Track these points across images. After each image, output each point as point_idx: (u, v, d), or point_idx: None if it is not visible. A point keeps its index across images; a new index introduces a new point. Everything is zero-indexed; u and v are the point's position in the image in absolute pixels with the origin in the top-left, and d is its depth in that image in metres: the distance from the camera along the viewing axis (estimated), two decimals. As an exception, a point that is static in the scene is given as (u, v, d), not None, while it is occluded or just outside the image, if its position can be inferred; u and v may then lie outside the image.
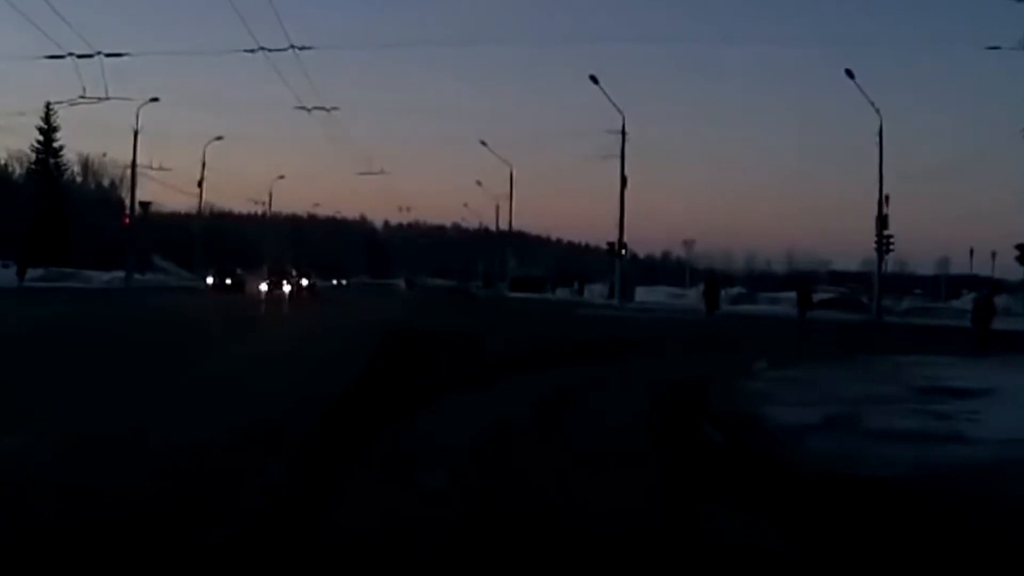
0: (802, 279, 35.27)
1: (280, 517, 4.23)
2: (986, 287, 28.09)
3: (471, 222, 78.65)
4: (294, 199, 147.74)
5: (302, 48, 31.31)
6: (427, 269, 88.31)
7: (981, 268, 63.12)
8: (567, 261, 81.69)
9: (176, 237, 58.66)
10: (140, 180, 46.64)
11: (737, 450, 6.46)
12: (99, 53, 33.56)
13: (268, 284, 43.90)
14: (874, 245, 36.34)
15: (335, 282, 66.32)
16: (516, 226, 64.26)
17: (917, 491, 5.08)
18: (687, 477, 5.58)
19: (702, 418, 7.79)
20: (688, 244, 67.57)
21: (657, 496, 5.06)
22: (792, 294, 48.55)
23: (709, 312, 30.88)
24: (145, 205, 49.30)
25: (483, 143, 54.81)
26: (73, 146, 65.63)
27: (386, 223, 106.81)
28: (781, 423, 7.27)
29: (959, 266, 64.79)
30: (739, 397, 8.88)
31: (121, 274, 44.96)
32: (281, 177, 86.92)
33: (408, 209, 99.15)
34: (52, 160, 57.14)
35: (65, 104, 39.17)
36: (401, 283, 78.21)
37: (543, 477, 5.35)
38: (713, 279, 37.29)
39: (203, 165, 51.74)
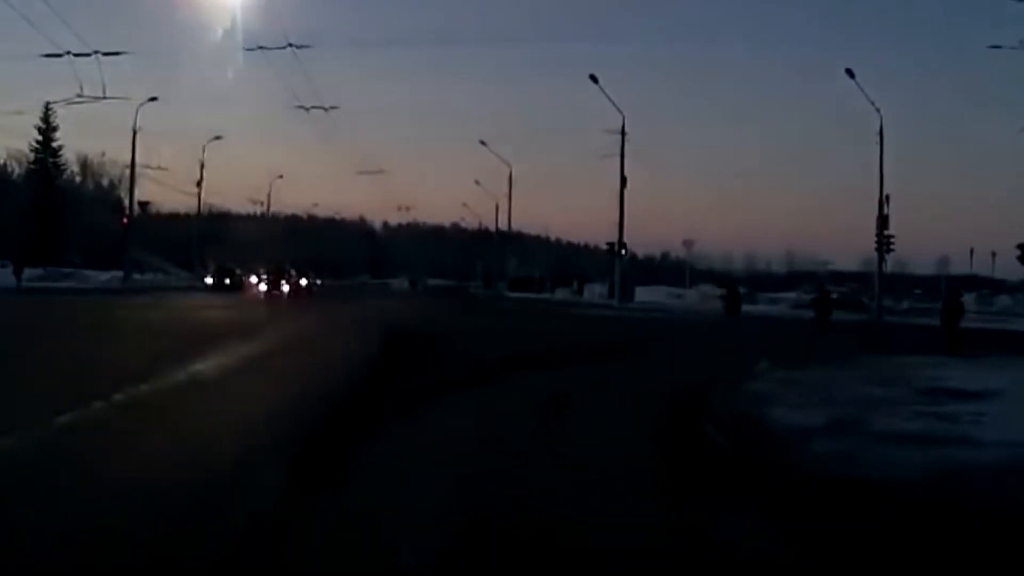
0: (821, 283, 34.83)
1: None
2: (955, 288, 28.04)
3: (471, 222, 78.70)
4: (293, 199, 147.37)
5: (300, 47, 31.34)
6: (427, 269, 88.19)
7: (981, 268, 63.22)
8: (567, 261, 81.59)
9: (175, 237, 58.56)
10: (139, 180, 46.66)
11: (742, 454, 6.39)
12: (96, 52, 33.59)
13: (267, 284, 43.88)
14: (874, 245, 36.32)
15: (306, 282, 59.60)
16: (515, 226, 64.32)
17: (925, 495, 5.01)
18: (691, 481, 5.51)
19: (705, 420, 7.72)
20: (688, 244, 67.43)
21: (659, 502, 4.97)
22: (792, 294, 48.64)
23: (728, 315, 30.64)
24: (144, 205, 49.31)
25: (483, 143, 54.87)
26: (72, 146, 65.44)
27: (385, 223, 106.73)
28: (786, 425, 7.20)
29: (959, 266, 64.84)
30: (744, 399, 8.82)
31: (119, 274, 44.92)
32: (280, 177, 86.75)
33: (407, 209, 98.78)
34: (51, 160, 57.07)
35: (63, 103, 39.26)
36: (402, 282, 78.31)
37: (541, 482, 5.27)
38: (732, 282, 37.08)
39: (202, 165, 51.74)
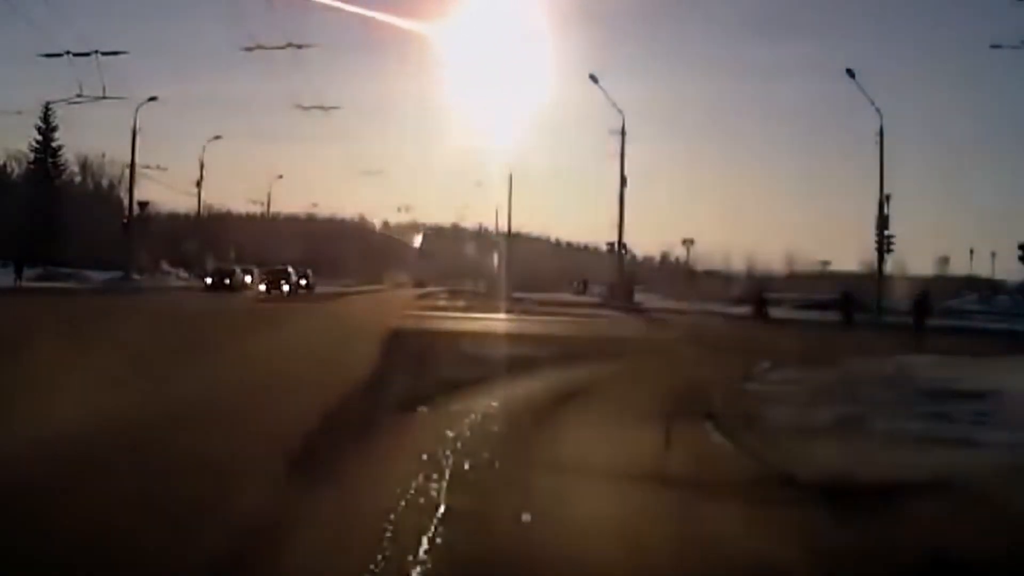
0: (846, 287, 34.46)
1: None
2: (924, 289, 28.48)
3: (471, 222, 78.88)
4: (293, 199, 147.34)
5: (300, 46, 31.33)
6: (427, 269, 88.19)
7: (981, 268, 63.12)
8: (567, 261, 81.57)
9: (174, 237, 58.51)
10: (139, 180, 46.60)
11: (743, 455, 6.36)
12: (96, 52, 33.61)
13: (266, 284, 43.78)
14: (874, 245, 36.29)
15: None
16: (515, 227, 64.37)
17: (929, 496, 4.99)
18: (691, 481, 5.50)
19: (705, 420, 7.70)
20: (688, 244, 67.17)
21: (658, 503, 4.96)
22: (793, 295, 48.53)
23: (756, 318, 30.06)
24: (143, 205, 49.20)
25: (483, 143, 54.74)
26: (72, 146, 65.38)
27: (385, 223, 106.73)
28: (788, 426, 7.19)
29: (959, 266, 64.67)
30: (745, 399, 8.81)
31: (119, 274, 44.88)
32: (280, 177, 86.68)
33: (407, 209, 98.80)
34: (51, 160, 57.04)
35: (63, 103, 39.30)
36: (401, 282, 78.54)
37: (538, 481, 5.27)
38: (759, 288, 36.35)
39: (201, 165, 51.58)
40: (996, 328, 28.88)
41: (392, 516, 4.22)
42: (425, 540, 3.88)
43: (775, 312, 32.99)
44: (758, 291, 34.00)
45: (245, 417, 6.98)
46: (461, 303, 37.55)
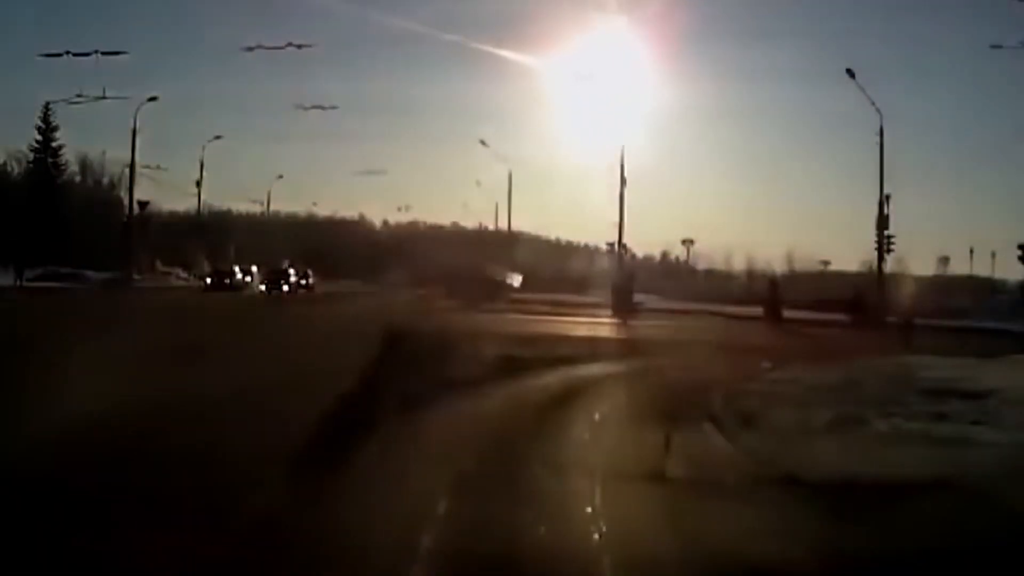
0: (856, 291, 34.00)
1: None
2: (912, 290, 28.84)
3: (470, 222, 78.79)
4: (293, 199, 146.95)
5: (300, 46, 31.36)
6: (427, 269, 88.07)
7: (981, 268, 62.99)
8: (567, 261, 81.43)
9: (174, 237, 58.42)
10: (139, 180, 46.57)
11: (741, 454, 6.39)
12: (96, 52, 33.65)
13: (266, 284, 43.77)
14: (874, 245, 36.24)
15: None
16: (515, 226, 64.25)
17: (930, 495, 5.01)
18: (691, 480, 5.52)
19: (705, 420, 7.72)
20: (688, 244, 66.97)
21: (657, 502, 4.97)
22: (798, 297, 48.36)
23: (770, 321, 29.11)
24: (143, 205, 49.17)
25: (483, 143, 54.73)
26: (72, 146, 65.22)
27: (385, 223, 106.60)
28: (788, 425, 7.21)
29: (959, 266, 64.50)
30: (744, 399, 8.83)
31: (118, 274, 44.86)
32: (280, 177, 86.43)
33: (407, 209, 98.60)
34: (50, 160, 57.01)
35: (63, 103, 39.34)
36: (401, 280, 78.58)
37: (538, 474, 5.28)
38: (774, 283, 34.96)
39: (201, 165, 51.47)
40: (994, 328, 28.88)
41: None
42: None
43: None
44: (773, 290, 33.07)
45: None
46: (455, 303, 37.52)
